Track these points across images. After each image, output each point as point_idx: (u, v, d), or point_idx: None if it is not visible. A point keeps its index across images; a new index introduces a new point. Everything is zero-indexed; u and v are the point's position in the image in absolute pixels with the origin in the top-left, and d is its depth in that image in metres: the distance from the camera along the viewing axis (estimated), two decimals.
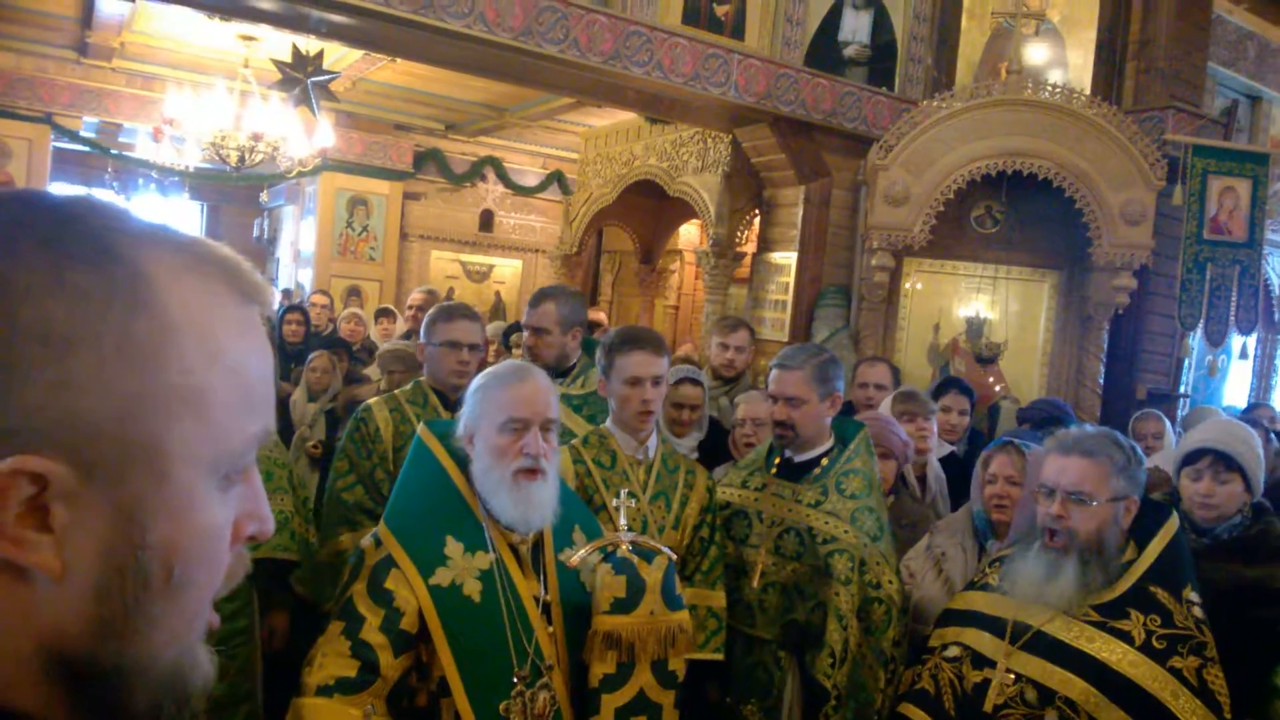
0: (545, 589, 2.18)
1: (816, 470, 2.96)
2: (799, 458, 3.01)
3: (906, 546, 3.29)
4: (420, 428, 2.33)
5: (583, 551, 2.20)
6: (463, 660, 2.02)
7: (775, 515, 2.95)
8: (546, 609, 2.16)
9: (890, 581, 2.82)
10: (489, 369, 2.27)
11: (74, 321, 0.57)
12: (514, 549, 2.17)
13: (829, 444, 3.01)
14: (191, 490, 0.63)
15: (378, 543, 2.13)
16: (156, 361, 0.60)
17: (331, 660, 1.97)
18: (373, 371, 5.62)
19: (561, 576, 2.20)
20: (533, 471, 2.09)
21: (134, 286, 0.60)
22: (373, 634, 1.99)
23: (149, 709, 0.64)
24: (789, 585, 2.87)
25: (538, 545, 2.23)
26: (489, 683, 2.03)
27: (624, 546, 2.21)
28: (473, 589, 2.07)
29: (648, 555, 2.22)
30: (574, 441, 2.90)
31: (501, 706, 2.02)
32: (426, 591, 2.04)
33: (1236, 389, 7.60)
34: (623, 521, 2.34)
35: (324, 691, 1.93)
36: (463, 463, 2.21)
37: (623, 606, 2.13)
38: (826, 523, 2.84)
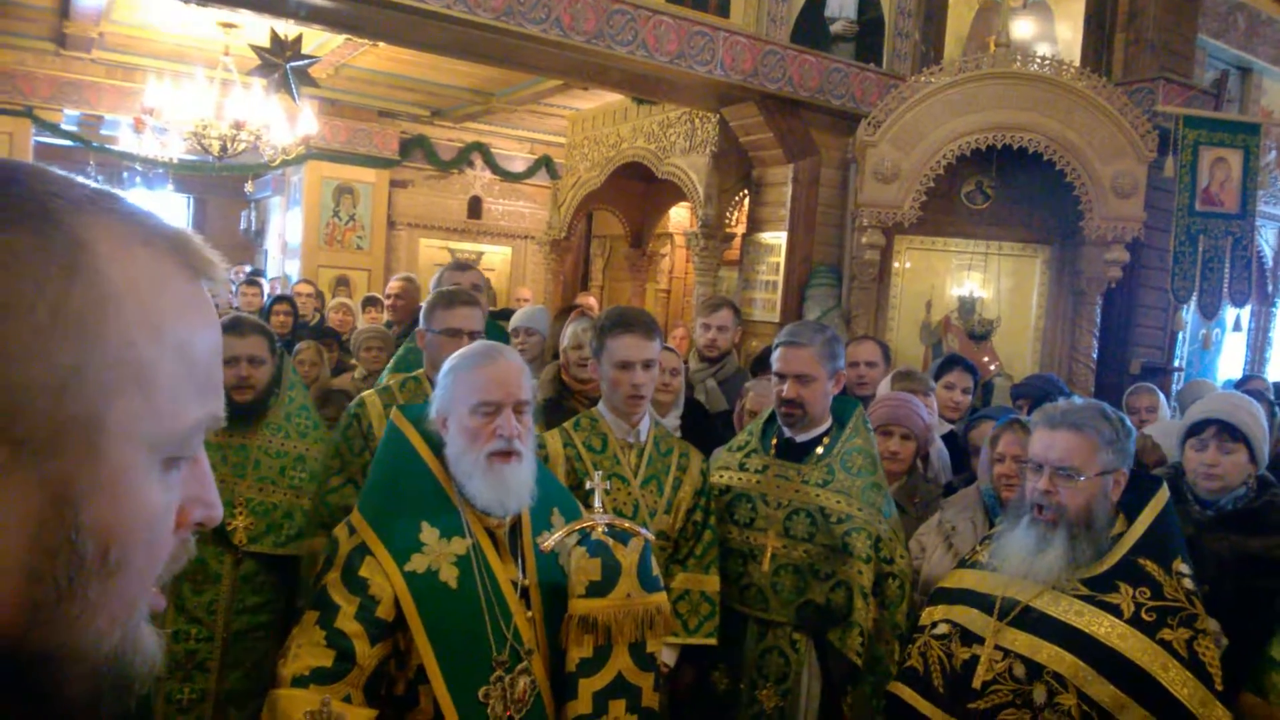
0: (523, 573, 2.15)
1: (819, 450, 2.92)
2: (800, 438, 2.97)
3: (918, 525, 3.29)
4: (394, 411, 2.28)
5: (558, 535, 2.15)
6: (440, 647, 1.99)
7: (781, 497, 2.91)
8: (525, 593, 2.13)
9: (902, 556, 2.84)
10: (460, 350, 2.23)
11: (4, 287, 0.55)
12: (491, 533, 2.13)
13: (828, 423, 2.98)
14: (131, 470, 0.60)
15: (351, 530, 2.09)
16: (95, 332, 0.57)
17: (307, 650, 1.94)
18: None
19: (540, 560, 2.17)
20: (507, 454, 2.06)
21: (72, 253, 0.57)
22: (348, 623, 1.96)
23: (87, 696, 0.61)
24: (802, 567, 2.83)
25: (515, 529, 2.19)
26: (467, 669, 2.00)
27: (599, 529, 2.17)
28: (449, 575, 2.04)
29: (624, 537, 2.18)
30: (565, 425, 2.87)
31: (481, 693, 1.99)
32: (402, 579, 2.01)
33: (1231, 362, 7.57)
34: (598, 504, 2.29)
35: (299, 682, 1.89)
36: (437, 446, 2.16)
37: (598, 590, 2.11)
38: (839, 502, 2.82)
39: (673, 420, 3.87)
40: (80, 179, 0.63)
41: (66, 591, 0.58)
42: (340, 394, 4.73)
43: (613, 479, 2.71)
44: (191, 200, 15.00)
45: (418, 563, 2.03)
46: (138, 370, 0.60)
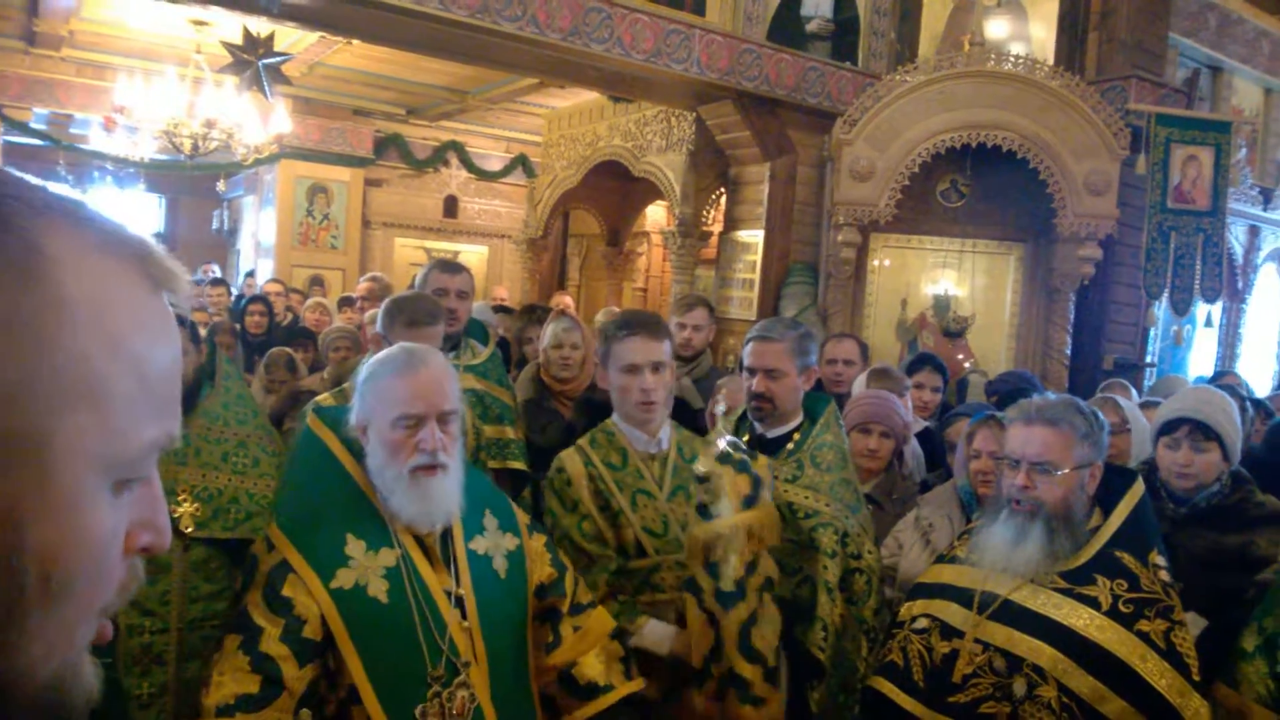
0: (457, 582, 2.04)
1: (789, 445, 2.91)
2: (771, 433, 2.97)
3: (896, 521, 3.30)
4: (309, 415, 2.17)
5: (702, 462, 2.32)
6: (372, 665, 1.90)
7: None
8: (460, 603, 2.03)
9: (870, 552, 2.81)
10: (378, 355, 2.10)
11: None
12: (420, 541, 2.04)
13: (799, 419, 2.97)
14: (79, 492, 0.57)
15: (270, 546, 1.97)
16: (48, 343, 0.54)
17: (230, 677, 1.82)
18: None
19: (474, 566, 2.07)
20: (431, 468, 1.95)
21: (26, 259, 0.54)
22: (273, 645, 1.85)
23: None
24: None
25: (446, 534, 2.09)
26: (402, 686, 1.91)
27: (724, 447, 2.34)
28: (379, 589, 1.93)
29: (751, 456, 2.39)
30: (581, 442, 2.72)
31: (417, 710, 1.91)
32: (328, 596, 1.89)
33: (1202, 358, 7.66)
34: (719, 427, 2.43)
35: (224, 712, 1.78)
36: (359, 453, 2.05)
37: (749, 502, 2.30)
38: (806, 497, 2.80)
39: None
40: (42, 183, 0.60)
41: (4, 618, 0.55)
42: (309, 395, 4.57)
43: (638, 496, 2.60)
44: (163, 200, 14.83)
45: (344, 578, 1.92)
46: (91, 385, 0.56)
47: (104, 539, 0.60)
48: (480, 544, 2.12)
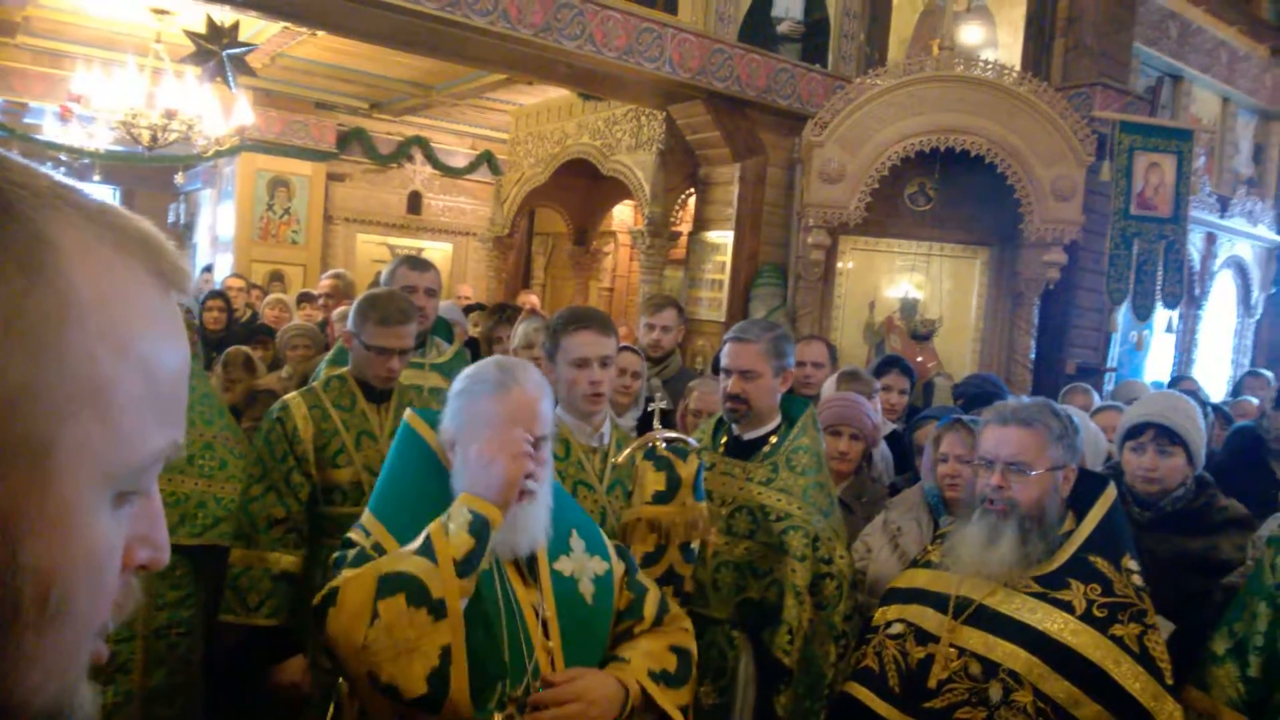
0: (543, 601, 1.95)
1: (766, 448, 2.92)
2: (748, 435, 2.97)
3: (864, 524, 3.30)
4: (408, 414, 2.09)
5: (627, 451, 2.48)
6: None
7: (726, 494, 2.90)
8: (544, 623, 1.93)
9: (841, 556, 2.81)
10: (473, 370, 1.99)
11: None
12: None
13: (776, 421, 2.97)
14: (79, 504, 0.53)
15: (366, 532, 1.90)
16: (54, 344, 0.51)
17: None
18: None
19: (558, 587, 1.95)
20: (520, 494, 1.84)
21: (34, 252, 0.51)
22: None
23: None
24: (742, 564, 2.82)
25: (531, 554, 1.98)
26: (480, 697, 1.76)
27: (660, 444, 2.50)
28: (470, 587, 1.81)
29: (683, 454, 2.52)
30: None
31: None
32: None
33: (1159, 363, 7.79)
34: (657, 423, 2.58)
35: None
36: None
37: (662, 498, 2.45)
38: (779, 500, 2.81)
39: (629, 421, 3.84)
40: (44, 169, 0.56)
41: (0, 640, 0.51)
42: (267, 394, 4.50)
43: (579, 487, 2.61)
44: (118, 192, 14.52)
45: None
46: (97, 391, 0.53)
47: (104, 555, 0.56)
48: (566, 565, 2.01)
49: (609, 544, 2.14)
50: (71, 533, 0.53)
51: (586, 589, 2.00)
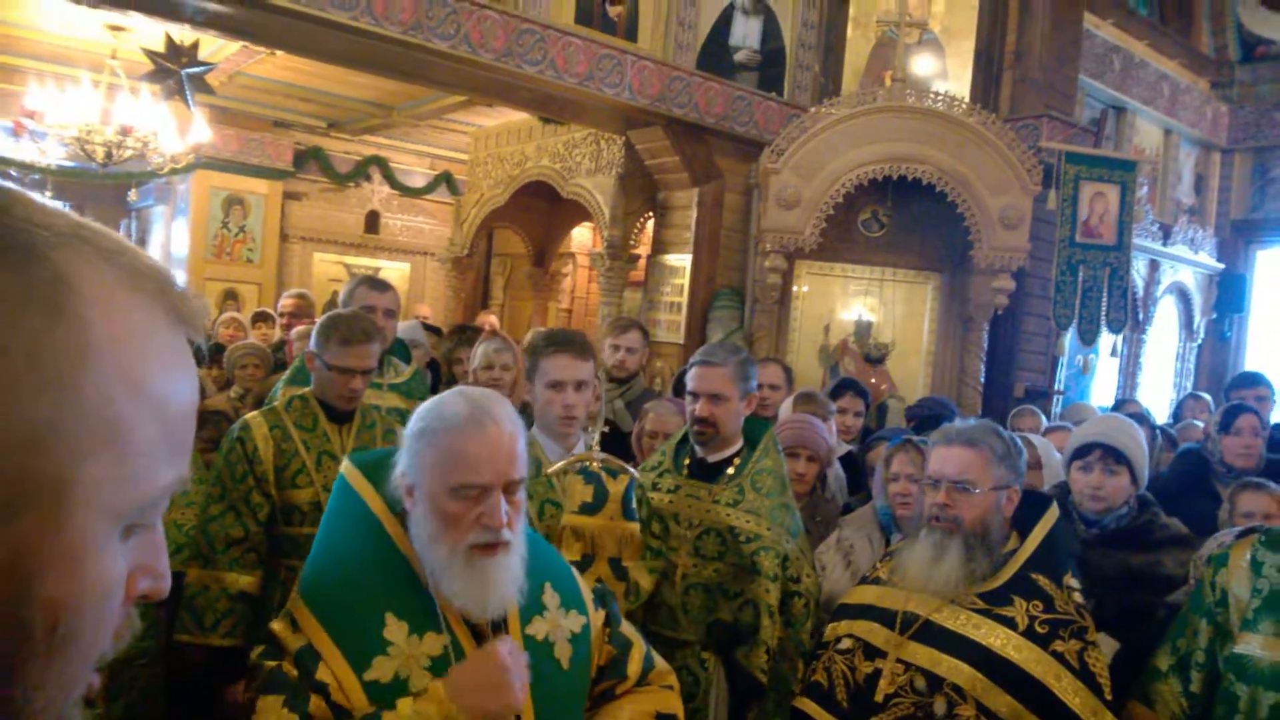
0: None
1: (730, 470, 2.96)
2: (712, 458, 3.00)
3: (819, 543, 3.36)
4: (345, 464, 1.83)
5: (560, 465, 2.49)
6: None
7: (693, 517, 2.92)
8: None
9: (809, 575, 2.88)
10: (435, 404, 1.72)
11: None
12: (470, 622, 1.71)
13: (739, 444, 3.01)
14: (92, 539, 0.55)
15: (294, 625, 1.64)
16: (73, 384, 0.52)
17: None
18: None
19: (532, 656, 1.70)
20: (493, 546, 1.62)
21: (55, 293, 0.52)
22: None
23: None
24: (712, 586, 2.85)
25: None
26: None
27: (595, 463, 2.57)
28: (421, 683, 1.60)
29: (614, 473, 2.61)
30: None
31: None
32: (362, 691, 1.58)
33: (1105, 386, 7.98)
34: (595, 443, 2.68)
35: None
36: (402, 514, 1.72)
37: (588, 509, 2.52)
38: (748, 521, 2.84)
39: (590, 439, 3.86)
40: (62, 209, 0.58)
41: (6, 669, 0.52)
42: (217, 415, 4.36)
43: (545, 505, 2.63)
44: (68, 208, 14.26)
45: (382, 668, 1.60)
46: (113, 430, 0.54)
47: (111, 587, 0.57)
48: (540, 627, 1.79)
49: (585, 592, 1.94)
50: (83, 566, 0.54)
51: (563, 652, 1.80)
